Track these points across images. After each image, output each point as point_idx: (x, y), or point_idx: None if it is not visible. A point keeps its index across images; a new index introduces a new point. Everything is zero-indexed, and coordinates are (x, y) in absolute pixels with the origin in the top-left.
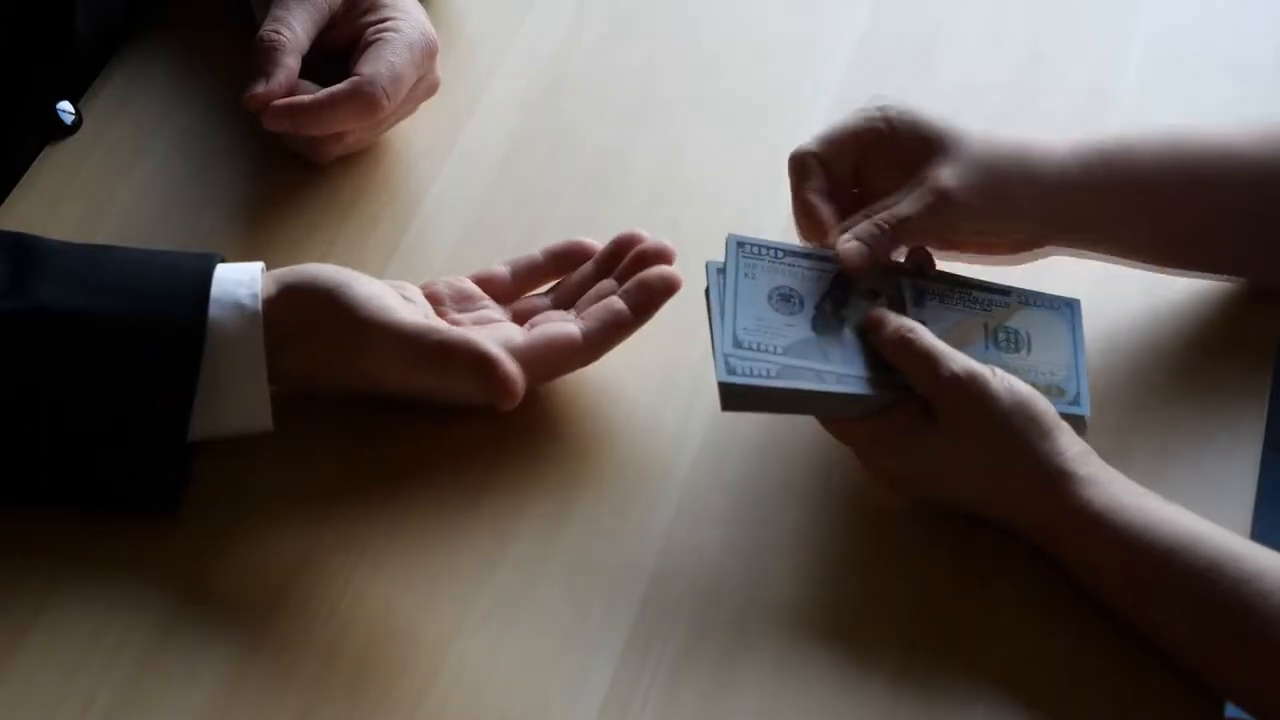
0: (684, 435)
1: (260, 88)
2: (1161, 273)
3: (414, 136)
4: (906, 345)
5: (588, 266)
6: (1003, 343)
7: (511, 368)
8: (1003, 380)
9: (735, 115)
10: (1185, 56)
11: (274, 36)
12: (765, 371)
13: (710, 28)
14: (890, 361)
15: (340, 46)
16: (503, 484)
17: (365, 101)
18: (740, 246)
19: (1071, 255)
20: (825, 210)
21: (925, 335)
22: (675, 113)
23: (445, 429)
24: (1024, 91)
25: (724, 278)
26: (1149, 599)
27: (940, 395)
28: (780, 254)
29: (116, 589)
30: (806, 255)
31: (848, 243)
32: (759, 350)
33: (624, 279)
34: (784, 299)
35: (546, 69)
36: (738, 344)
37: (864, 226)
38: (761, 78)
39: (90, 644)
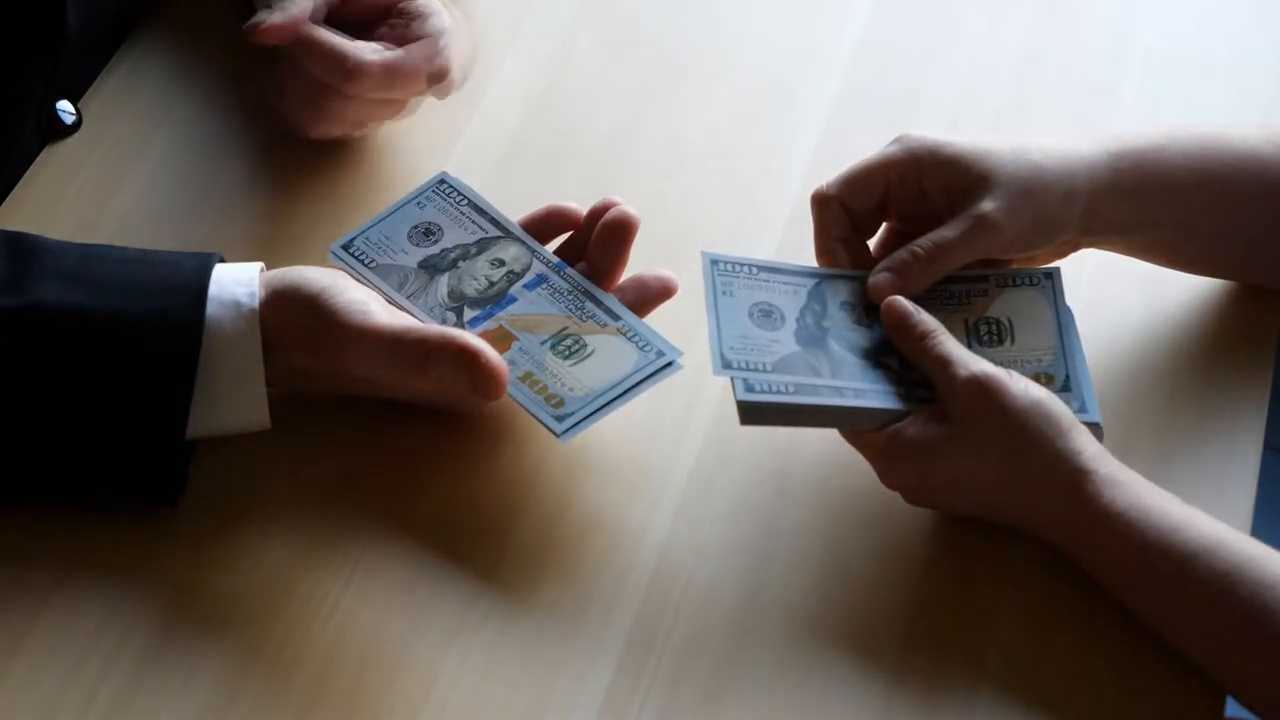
0: (684, 435)
1: (273, 18)
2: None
3: (414, 136)
4: (924, 348)
5: (566, 238)
6: (985, 336)
7: (494, 358)
8: (1019, 381)
9: (736, 113)
10: (1185, 56)
11: None
12: (784, 387)
13: (710, 26)
14: (909, 361)
15: (363, 19)
16: (503, 484)
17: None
18: (715, 265)
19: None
20: (844, 257)
21: (944, 338)
22: (676, 111)
23: (445, 429)
24: (1024, 91)
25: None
26: (1168, 600)
27: (957, 398)
28: (755, 270)
29: (116, 589)
30: (780, 270)
31: (878, 274)
32: (749, 369)
33: (595, 255)
34: (764, 315)
35: (547, 67)
36: (726, 364)
37: (898, 254)
38: (762, 75)
39: (90, 644)
